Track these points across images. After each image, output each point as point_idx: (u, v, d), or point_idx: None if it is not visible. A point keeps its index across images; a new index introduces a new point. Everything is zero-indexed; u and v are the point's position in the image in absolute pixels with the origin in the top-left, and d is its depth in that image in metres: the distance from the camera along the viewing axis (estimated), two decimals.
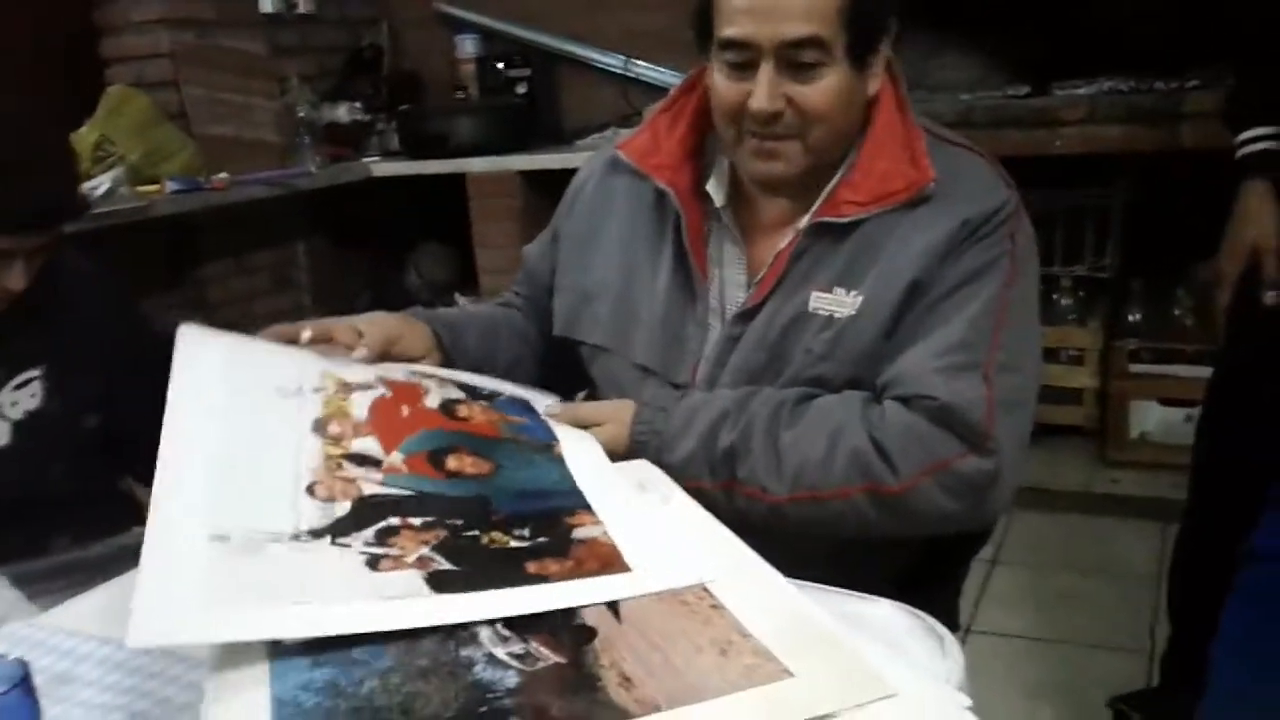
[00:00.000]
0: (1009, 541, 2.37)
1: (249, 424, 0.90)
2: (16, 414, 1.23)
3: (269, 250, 3.10)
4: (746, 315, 1.05)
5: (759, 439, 0.97)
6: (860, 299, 1.00)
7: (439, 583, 0.73)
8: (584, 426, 1.02)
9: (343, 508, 0.81)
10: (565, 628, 0.71)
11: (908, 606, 0.80)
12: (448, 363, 1.12)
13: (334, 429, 0.90)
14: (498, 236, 2.91)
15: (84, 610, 0.86)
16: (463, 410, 0.98)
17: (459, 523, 0.81)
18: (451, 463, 0.89)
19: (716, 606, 0.72)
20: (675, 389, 1.07)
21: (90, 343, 1.29)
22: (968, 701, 0.59)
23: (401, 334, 1.09)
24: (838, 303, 1.00)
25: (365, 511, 0.81)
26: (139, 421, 1.32)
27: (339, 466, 0.86)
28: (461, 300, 3.06)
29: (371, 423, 0.92)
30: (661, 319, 1.09)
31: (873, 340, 0.99)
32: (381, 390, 0.97)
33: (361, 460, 0.87)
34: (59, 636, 0.82)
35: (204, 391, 0.95)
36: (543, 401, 1.07)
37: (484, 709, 0.62)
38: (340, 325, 1.07)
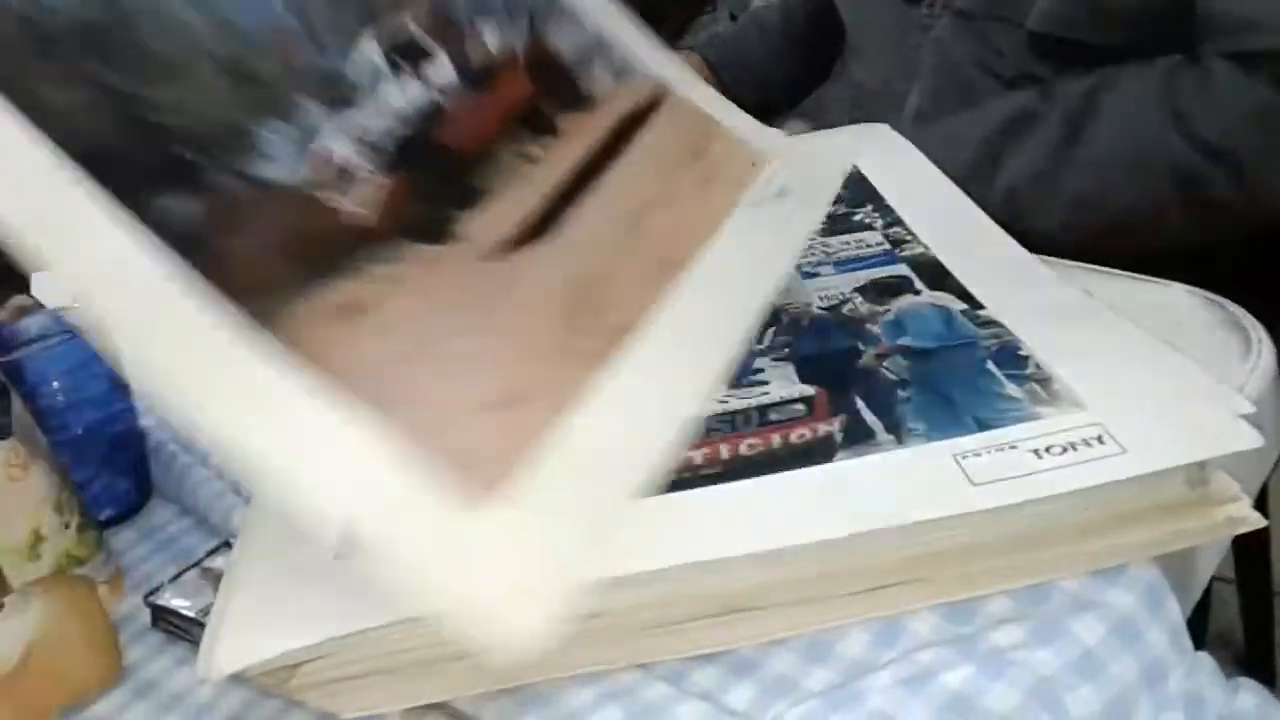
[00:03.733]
0: None
1: None
2: None
3: None
4: None
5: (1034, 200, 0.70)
6: None
7: None
8: None
9: None
10: None
11: (1208, 294, 0.59)
12: (728, 85, 1.02)
13: None
14: None
15: None
16: None
17: None
18: None
19: None
20: (909, 4, 0.84)
21: None
22: (1249, 407, 0.40)
23: None
24: None
25: None
26: None
27: None
28: None
29: None
30: None
31: None
32: None
33: None
34: None
35: None
36: None
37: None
38: None
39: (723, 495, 0.41)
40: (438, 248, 0.46)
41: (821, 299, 0.55)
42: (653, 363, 0.46)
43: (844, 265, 0.58)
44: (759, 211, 0.60)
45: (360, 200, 0.45)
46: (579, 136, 0.57)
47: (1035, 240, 0.57)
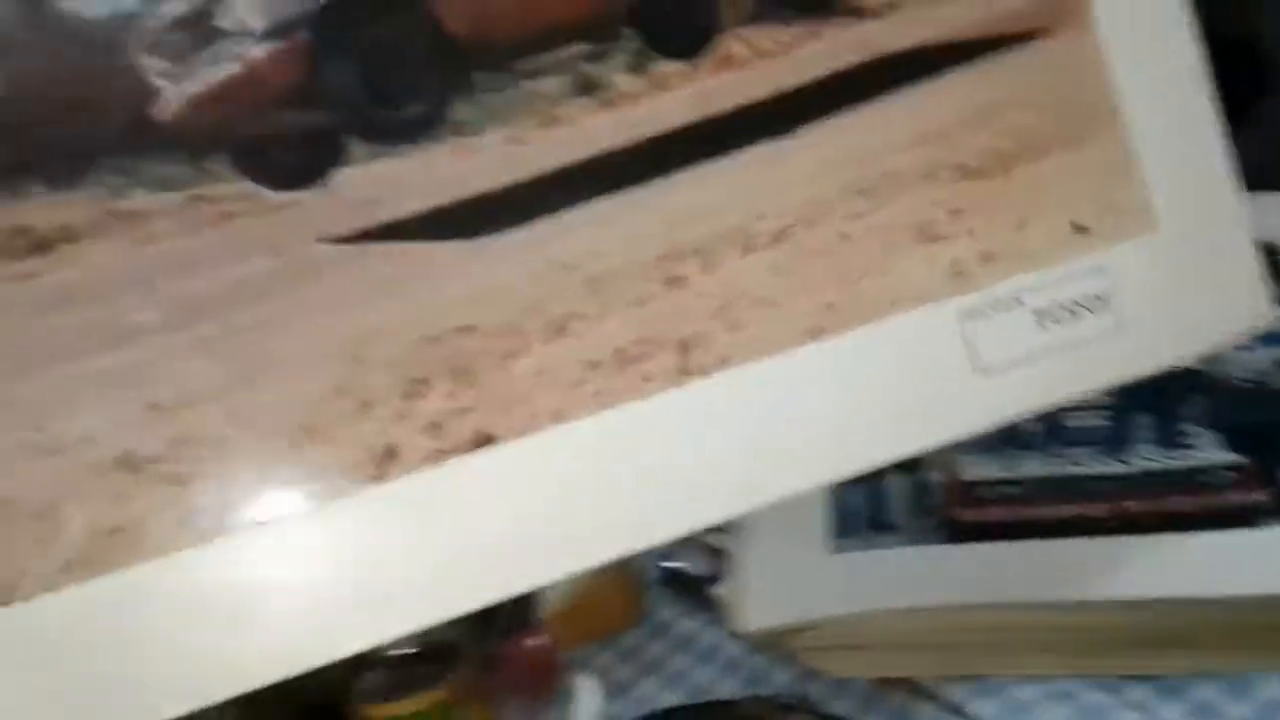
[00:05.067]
0: None
1: None
2: None
3: None
4: None
5: None
6: None
7: None
8: None
9: None
10: None
11: None
12: None
13: None
14: None
15: None
16: None
17: None
18: None
19: None
20: None
21: None
22: None
23: None
24: None
25: None
26: None
27: None
28: None
29: None
30: None
31: None
32: None
33: None
34: None
35: None
36: None
37: None
38: None
39: (1156, 544, 0.49)
40: (276, 195, 0.28)
41: (1243, 371, 0.60)
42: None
43: (1269, 339, 0.63)
44: (987, 321, 0.35)
45: (201, 95, 0.27)
46: (745, 71, 0.32)
47: None
